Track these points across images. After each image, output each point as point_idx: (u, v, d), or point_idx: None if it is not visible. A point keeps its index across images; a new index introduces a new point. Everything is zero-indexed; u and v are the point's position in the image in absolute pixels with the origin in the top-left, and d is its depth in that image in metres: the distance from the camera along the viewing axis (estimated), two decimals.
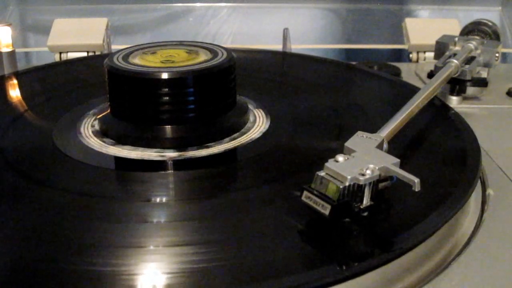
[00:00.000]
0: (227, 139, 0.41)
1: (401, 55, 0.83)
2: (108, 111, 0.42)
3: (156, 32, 0.90)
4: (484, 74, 0.55)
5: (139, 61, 0.41)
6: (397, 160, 0.31)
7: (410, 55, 0.72)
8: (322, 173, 0.30)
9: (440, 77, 0.48)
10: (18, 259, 0.28)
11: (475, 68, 0.53)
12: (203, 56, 0.42)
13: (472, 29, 0.62)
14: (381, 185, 0.31)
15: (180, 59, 0.42)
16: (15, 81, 0.55)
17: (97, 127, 0.43)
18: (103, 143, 0.40)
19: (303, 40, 0.82)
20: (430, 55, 0.67)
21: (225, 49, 0.43)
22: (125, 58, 0.41)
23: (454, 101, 0.54)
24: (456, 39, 0.56)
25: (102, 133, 0.42)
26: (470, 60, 0.54)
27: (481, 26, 0.62)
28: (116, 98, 0.41)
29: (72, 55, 0.68)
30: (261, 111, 0.46)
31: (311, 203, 0.29)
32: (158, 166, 0.38)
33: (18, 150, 0.41)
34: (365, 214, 0.30)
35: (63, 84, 0.54)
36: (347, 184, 0.29)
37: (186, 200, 0.35)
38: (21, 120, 0.46)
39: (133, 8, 0.89)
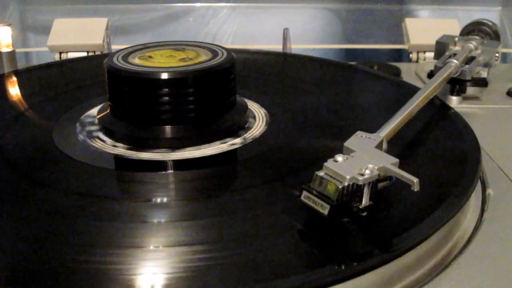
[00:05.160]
0: (227, 139, 0.41)
1: (401, 55, 0.83)
2: (108, 111, 0.42)
3: (156, 32, 0.90)
4: (484, 74, 0.55)
5: (139, 61, 0.41)
6: (396, 160, 0.31)
7: (410, 55, 0.72)
8: (321, 173, 0.30)
9: (440, 77, 0.48)
10: (18, 259, 0.28)
11: (475, 68, 0.53)
12: (203, 56, 0.42)
13: (472, 29, 0.62)
14: (380, 185, 0.31)
15: (179, 59, 0.42)
16: (15, 80, 0.55)
17: (97, 127, 0.43)
18: (103, 143, 0.40)
19: (303, 40, 0.82)
20: (430, 55, 0.67)
21: (225, 49, 0.43)
22: (125, 58, 0.41)
23: (454, 101, 0.54)
24: (456, 39, 0.56)
25: (102, 133, 0.42)
26: (470, 60, 0.54)
27: (481, 26, 0.62)
28: (116, 98, 0.41)
29: (72, 55, 0.68)
30: (261, 111, 0.46)
31: (310, 203, 0.29)
32: (158, 166, 0.38)
33: (18, 150, 0.41)
34: (364, 214, 0.30)
35: (63, 84, 0.54)
36: (346, 184, 0.29)
37: (186, 200, 0.35)
38: (21, 120, 0.46)
39: (133, 8, 0.89)
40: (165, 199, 0.34)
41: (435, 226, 0.30)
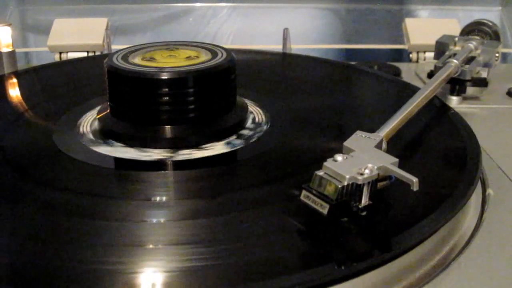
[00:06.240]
0: (227, 139, 0.41)
1: (401, 55, 0.83)
2: (108, 111, 0.42)
3: (156, 32, 0.90)
4: (484, 74, 0.55)
5: (139, 61, 0.41)
6: (396, 160, 0.31)
7: (410, 55, 0.72)
8: (320, 173, 0.30)
9: (440, 77, 0.48)
10: (18, 259, 0.28)
11: (475, 68, 0.53)
12: (203, 56, 0.42)
13: (472, 29, 0.62)
14: (379, 184, 0.31)
15: (179, 59, 0.42)
16: (15, 81, 0.55)
17: (97, 127, 0.43)
18: (103, 143, 0.40)
19: (303, 40, 0.82)
20: (430, 55, 0.67)
21: (225, 49, 0.43)
22: (125, 58, 0.42)
23: (454, 101, 0.54)
24: (456, 39, 0.56)
25: (102, 133, 0.42)
26: (470, 60, 0.54)
27: (481, 26, 0.62)
28: (116, 98, 0.41)
29: (72, 55, 0.68)
30: (261, 111, 0.46)
31: (309, 202, 0.29)
32: (157, 166, 0.38)
33: (18, 150, 0.41)
34: (364, 213, 0.30)
35: (63, 84, 0.54)
36: (345, 183, 0.29)
37: (185, 200, 0.35)
38: (21, 120, 0.46)
39: (133, 8, 0.89)
40: (164, 199, 0.34)
41: (435, 226, 0.30)
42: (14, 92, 0.53)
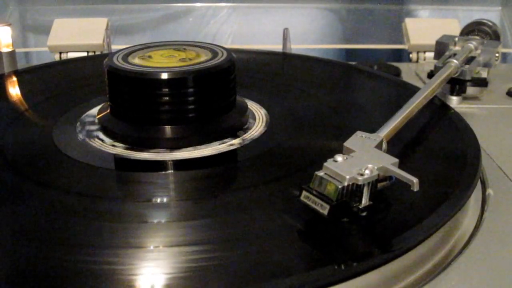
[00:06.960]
0: (227, 139, 0.41)
1: (401, 55, 0.83)
2: (108, 111, 0.42)
3: (156, 32, 0.90)
4: (484, 74, 0.55)
5: (139, 61, 0.41)
6: (396, 160, 0.31)
7: (410, 55, 0.72)
8: (321, 173, 0.30)
9: (440, 77, 0.48)
10: (18, 259, 0.28)
11: (475, 68, 0.53)
12: (203, 56, 0.42)
13: (472, 29, 0.62)
14: (380, 185, 0.31)
15: (179, 59, 0.42)
16: (15, 81, 0.55)
17: (97, 127, 0.43)
18: (102, 143, 0.40)
19: (303, 40, 0.82)
20: (430, 55, 0.67)
21: (225, 49, 0.43)
22: (125, 58, 0.41)
23: (454, 101, 0.54)
24: (456, 39, 0.56)
25: (101, 133, 0.42)
26: (470, 60, 0.54)
27: (481, 26, 0.62)
28: (116, 98, 0.41)
29: (72, 55, 0.68)
30: (261, 111, 0.46)
31: (310, 203, 0.29)
32: (158, 166, 0.38)
33: (18, 150, 0.41)
34: (364, 214, 0.30)
35: (63, 84, 0.54)
36: (345, 184, 0.29)
37: (186, 200, 0.35)
38: (21, 120, 0.46)
39: (133, 8, 0.89)
40: (165, 199, 0.34)
41: (435, 226, 0.30)
42: (14, 91, 0.53)
